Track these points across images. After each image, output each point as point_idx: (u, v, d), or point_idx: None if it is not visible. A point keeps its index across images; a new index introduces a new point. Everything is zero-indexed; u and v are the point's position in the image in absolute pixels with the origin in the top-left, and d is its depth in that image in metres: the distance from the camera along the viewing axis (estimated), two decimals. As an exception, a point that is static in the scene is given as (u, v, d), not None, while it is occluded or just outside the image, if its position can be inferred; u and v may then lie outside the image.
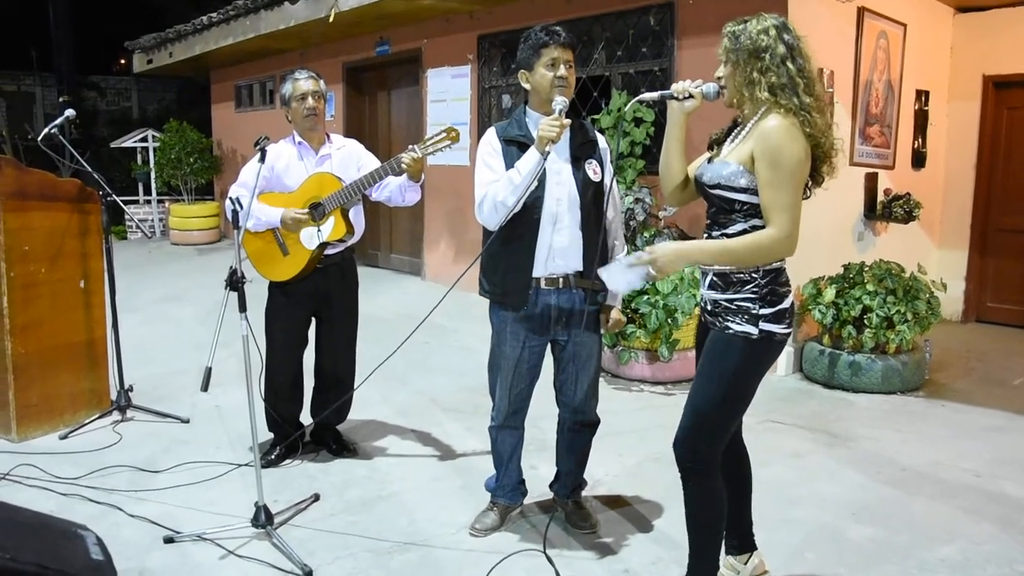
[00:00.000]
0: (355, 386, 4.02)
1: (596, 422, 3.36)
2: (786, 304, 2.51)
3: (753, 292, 2.48)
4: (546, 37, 3.00)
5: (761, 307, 2.47)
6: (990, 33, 7.02)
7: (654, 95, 2.66)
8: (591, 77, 6.91)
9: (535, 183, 2.96)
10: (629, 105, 2.90)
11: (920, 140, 7.03)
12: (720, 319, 2.54)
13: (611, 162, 3.23)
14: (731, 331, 2.51)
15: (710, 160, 2.63)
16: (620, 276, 2.53)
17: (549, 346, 3.26)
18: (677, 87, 2.62)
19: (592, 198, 3.09)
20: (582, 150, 3.13)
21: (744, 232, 2.47)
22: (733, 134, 2.62)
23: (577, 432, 3.33)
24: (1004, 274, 7.28)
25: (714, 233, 2.57)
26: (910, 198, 6.51)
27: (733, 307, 2.50)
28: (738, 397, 2.57)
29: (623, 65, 6.61)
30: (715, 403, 2.55)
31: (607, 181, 3.15)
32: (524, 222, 3.03)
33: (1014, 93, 7.05)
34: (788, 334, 2.54)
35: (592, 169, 3.10)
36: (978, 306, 7.44)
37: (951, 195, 7.41)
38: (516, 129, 3.11)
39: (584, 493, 3.53)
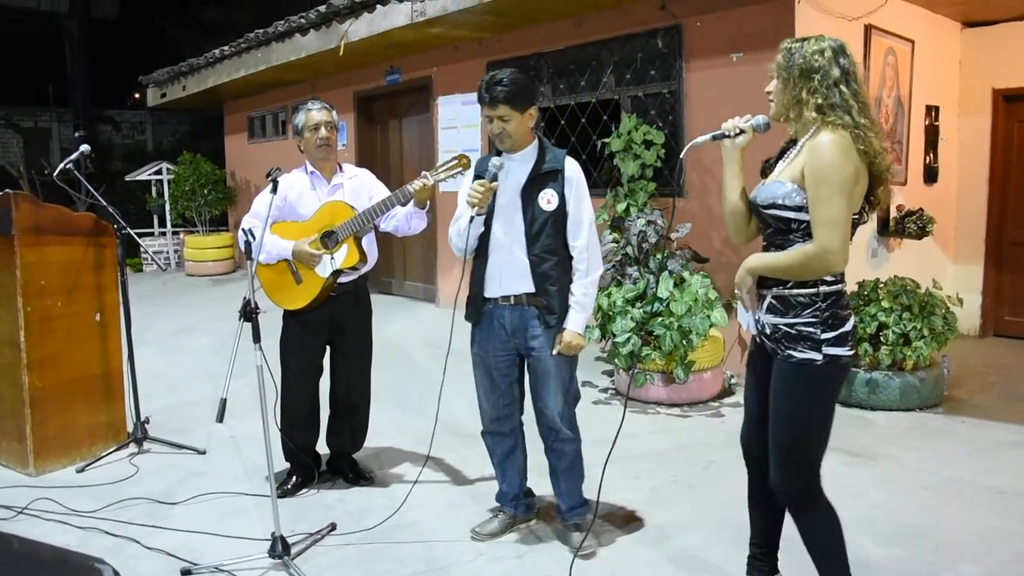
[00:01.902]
0: (428, 448, 3.95)
1: (570, 438, 3.38)
2: (848, 327, 2.47)
3: (815, 316, 2.43)
4: (480, 94, 3.22)
5: (823, 331, 2.43)
6: (998, 47, 7.01)
7: (706, 137, 2.66)
8: (600, 101, 6.94)
9: (482, 225, 3.28)
10: (684, 152, 2.79)
11: (931, 155, 7.00)
12: (782, 346, 2.49)
13: (572, 189, 3.29)
14: (795, 359, 2.46)
15: (764, 183, 2.60)
16: (743, 314, 2.66)
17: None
18: (727, 125, 2.62)
19: (541, 226, 3.23)
20: (539, 179, 3.25)
21: None
22: (786, 154, 2.60)
23: (553, 449, 3.41)
24: (1021, 288, 7.22)
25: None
26: (923, 213, 6.48)
27: (794, 332, 2.46)
28: (821, 426, 2.52)
29: (632, 88, 6.64)
30: (800, 438, 2.51)
31: (571, 209, 3.27)
32: (479, 247, 3.31)
33: (1024, 106, 7.03)
34: (853, 356, 2.50)
35: (546, 199, 3.24)
36: (996, 320, 7.38)
37: (964, 209, 7.36)
38: (483, 165, 3.34)
39: (600, 516, 3.51)
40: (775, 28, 5.54)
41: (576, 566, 3.18)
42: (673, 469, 4.26)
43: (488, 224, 3.28)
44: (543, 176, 3.26)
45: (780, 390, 2.54)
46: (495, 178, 3.19)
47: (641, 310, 5.33)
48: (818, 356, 2.43)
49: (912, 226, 6.41)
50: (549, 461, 3.45)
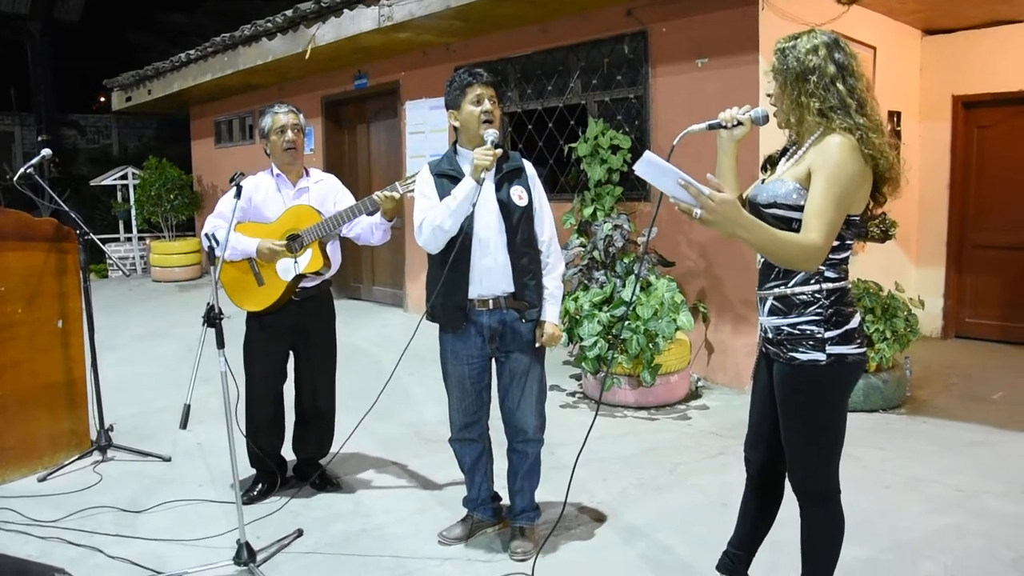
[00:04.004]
0: (350, 434, 3.98)
1: (536, 440, 3.41)
2: (854, 324, 2.40)
3: (817, 314, 2.37)
4: (470, 78, 3.26)
5: (827, 330, 2.36)
6: (957, 54, 7.15)
7: (702, 126, 2.54)
8: (567, 106, 6.98)
9: (471, 208, 3.18)
10: (678, 139, 2.48)
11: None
12: (784, 348, 2.43)
13: (534, 185, 3.38)
14: (798, 362, 2.40)
15: (763, 181, 2.56)
16: (662, 169, 2.22)
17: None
18: (725, 115, 2.55)
19: (518, 221, 3.28)
20: (507, 177, 3.31)
21: None
22: (788, 154, 2.56)
23: (516, 452, 3.43)
24: (981, 290, 7.36)
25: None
26: (885, 217, 6.56)
27: (797, 332, 2.39)
28: (833, 429, 2.45)
29: (599, 93, 6.68)
30: (812, 443, 2.45)
31: (536, 205, 3.35)
32: (455, 247, 3.23)
33: (983, 112, 7.17)
34: (862, 354, 2.43)
35: (517, 195, 3.30)
36: (957, 322, 7.51)
37: (926, 213, 7.49)
38: (447, 164, 3.34)
39: (569, 517, 3.52)
40: (740, 34, 5.61)
41: (542, 569, 3.19)
42: (640, 471, 4.28)
43: (464, 225, 3.23)
44: (509, 173, 3.32)
45: (784, 392, 2.47)
46: (497, 146, 3.19)
47: (608, 314, 5.36)
48: (822, 356, 2.36)
49: (875, 229, 6.49)
50: (510, 461, 3.47)
